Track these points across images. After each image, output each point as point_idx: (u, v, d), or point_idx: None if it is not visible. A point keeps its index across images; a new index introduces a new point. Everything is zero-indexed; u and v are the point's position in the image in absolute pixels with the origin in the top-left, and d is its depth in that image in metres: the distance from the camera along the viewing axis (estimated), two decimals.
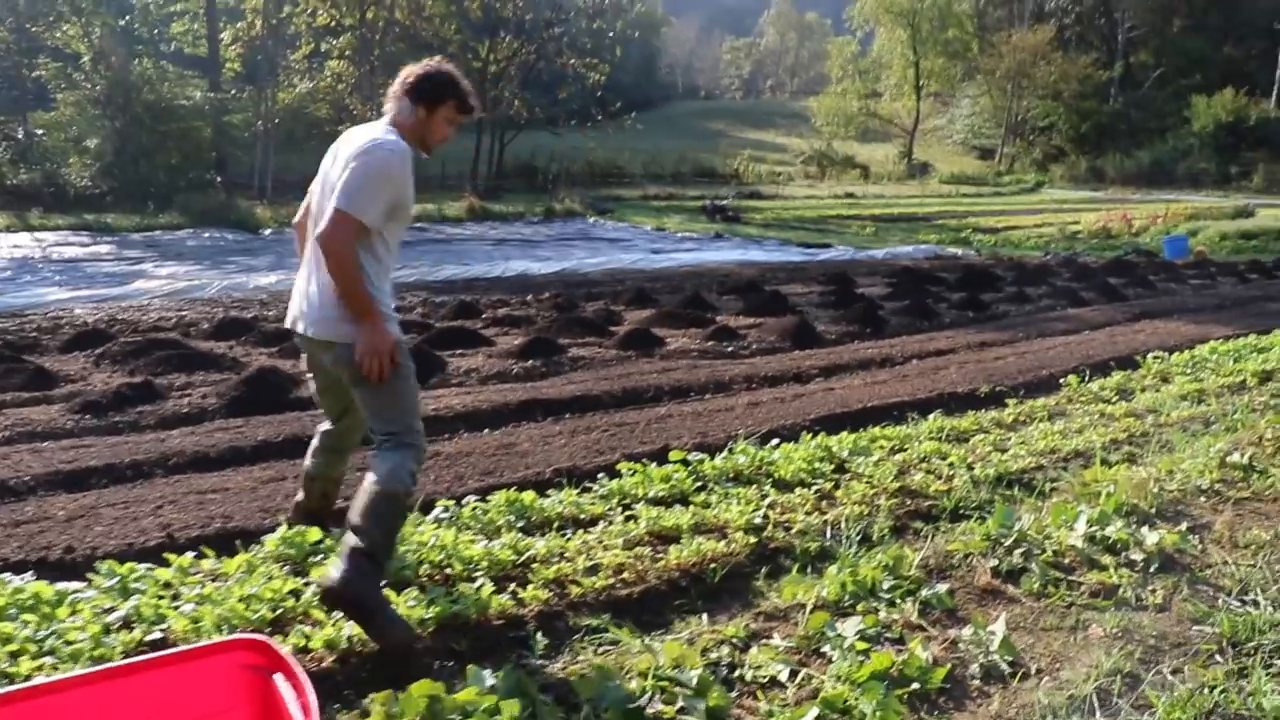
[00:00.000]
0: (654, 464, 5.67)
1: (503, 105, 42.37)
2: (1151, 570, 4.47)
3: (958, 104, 73.20)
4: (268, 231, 25.37)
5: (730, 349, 10.11)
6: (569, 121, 44.82)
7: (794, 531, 4.91)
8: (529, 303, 13.95)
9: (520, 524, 4.90)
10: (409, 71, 3.94)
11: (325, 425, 4.46)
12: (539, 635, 3.78)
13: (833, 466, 5.86)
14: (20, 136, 33.16)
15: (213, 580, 4.07)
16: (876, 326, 11.53)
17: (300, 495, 4.68)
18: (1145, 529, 4.76)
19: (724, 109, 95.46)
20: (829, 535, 4.89)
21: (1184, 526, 4.94)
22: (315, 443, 4.50)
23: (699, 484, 5.48)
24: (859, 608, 4.03)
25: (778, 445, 6.18)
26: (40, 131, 33.24)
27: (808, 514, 5.13)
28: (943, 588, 4.19)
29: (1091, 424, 7.07)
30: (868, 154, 67.61)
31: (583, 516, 5.06)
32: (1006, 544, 4.61)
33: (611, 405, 7.60)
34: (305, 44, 41.05)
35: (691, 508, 5.12)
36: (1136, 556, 4.56)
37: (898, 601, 4.09)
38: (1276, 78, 59.39)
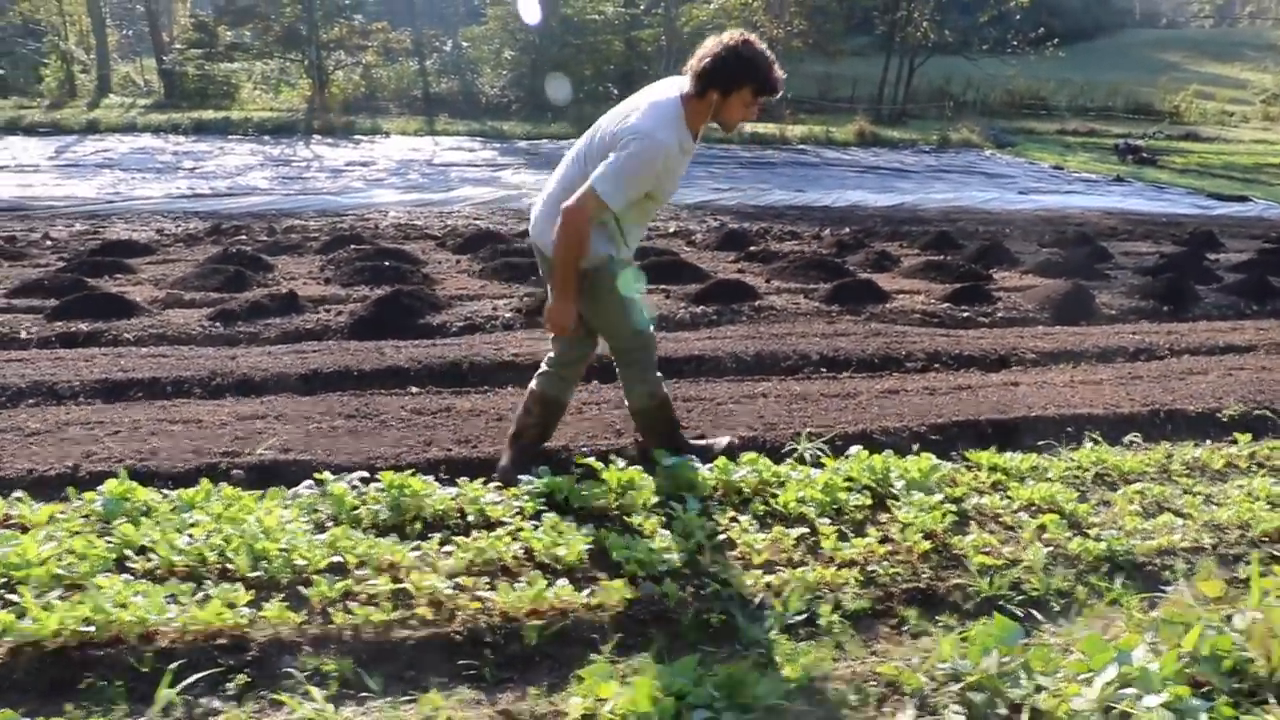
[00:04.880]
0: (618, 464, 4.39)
1: (911, 27, 40.10)
2: None
3: None
4: None
5: (966, 314, 8.27)
6: (981, 47, 41.53)
7: (706, 593, 3.52)
8: (806, 238, 12.63)
9: None
10: (705, 50, 3.79)
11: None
12: None
13: (869, 500, 4.29)
14: (449, 49, 35.43)
15: None
16: (1181, 305, 9.10)
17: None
18: (1203, 716, 2.88)
19: (1184, 38, 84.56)
20: (757, 604, 3.46)
21: None
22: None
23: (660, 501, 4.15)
24: None
25: (847, 456, 4.67)
26: (466, 44, 35.40)
27: (760, 565, 3.70)
28: None
29: None
30: None
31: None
32: (962, 683, 2.98)
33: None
34: None
35: (606, 533, 3.83)
36: None
37: None
38: None
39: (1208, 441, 5.50)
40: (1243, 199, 21.97)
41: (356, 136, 25.75)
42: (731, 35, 3.79)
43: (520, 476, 4.26)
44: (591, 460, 4.32)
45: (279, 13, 31.05)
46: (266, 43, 32.24)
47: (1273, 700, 3.02)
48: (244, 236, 11.53)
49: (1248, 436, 5.41)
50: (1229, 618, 3.36)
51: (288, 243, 10.95)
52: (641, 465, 4.36)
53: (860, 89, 42.91)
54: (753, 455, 4.54)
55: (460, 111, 31.02)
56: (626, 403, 4.50)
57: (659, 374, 4.41)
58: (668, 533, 3.84)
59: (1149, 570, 3.97)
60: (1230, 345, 7.70)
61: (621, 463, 4.30)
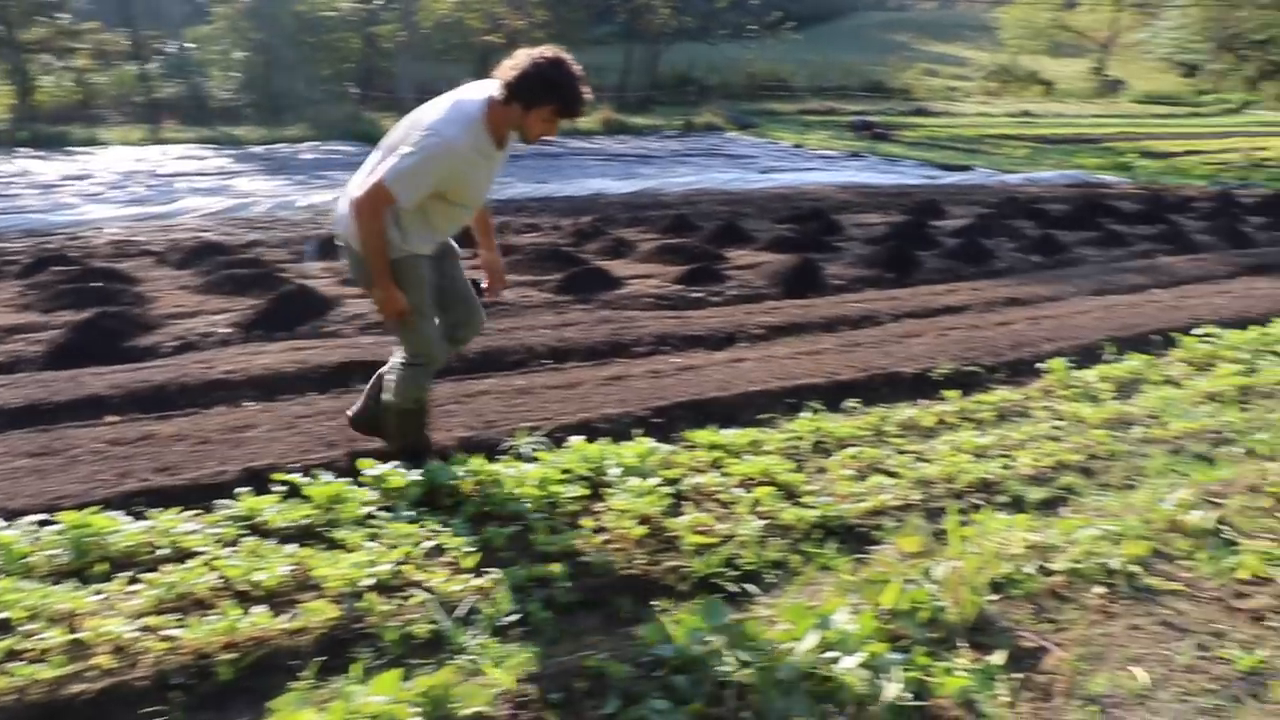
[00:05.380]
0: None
1: (650, 14, 40.76)
2: None
3: (1164, 15, 66.57)
4: None
5: (698, 295, 8.38)
6: (719, 32, 42.65)
7: (412, 603, 3.37)
8: (546, 229, 12.55)
9: None
10: (515, 61, 3.75)
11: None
12: None
13: (585, 490, 4.22)
14: (172, 50, 33.51)
15: None
16: (904, 272, 9.54)
17: None
18: (897, 669, 2.95)
19: (911, 20, 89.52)
20: (467, 609, 3.34)
21: (995, 658, 3.12)
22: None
23: (367, 508, 3.97)
24: None
25: (565, 448, 4.60)
26: (192, 45, 33.59)
27: (471, 568, 3.58)
28: None
29: (1044, 435, 5.16)
30: (1056, 70, 62.17)
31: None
32: (667, 667, 2.94)
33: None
34: None
35: (309, 551, 3.63)
36: None
37: None
38: None
39: (922, 401, 5.73)
40: (966, 168, 23.40)
41: (70, 148, 23.97)
42: (544, 52, 3.76)
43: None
44: (294, 477, 4.09)
45: None
46: None
47: (964, 644, 3.13)
48: None
49: (956, 393, 5.67)
50: (928, 570, 3.48)
51: None
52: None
53: (606, 77, 43.22)
54: (463, 456, 4.41)
55: (190, 117, 29.34)
56: (383, 396, 4.39)
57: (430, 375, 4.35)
58: (374, 545, 3.66)
59: (860, 532, 4.10)
60: (946, 306, 8.13)
61: (328, 476, 4.08)
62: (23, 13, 28.60)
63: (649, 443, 4.56)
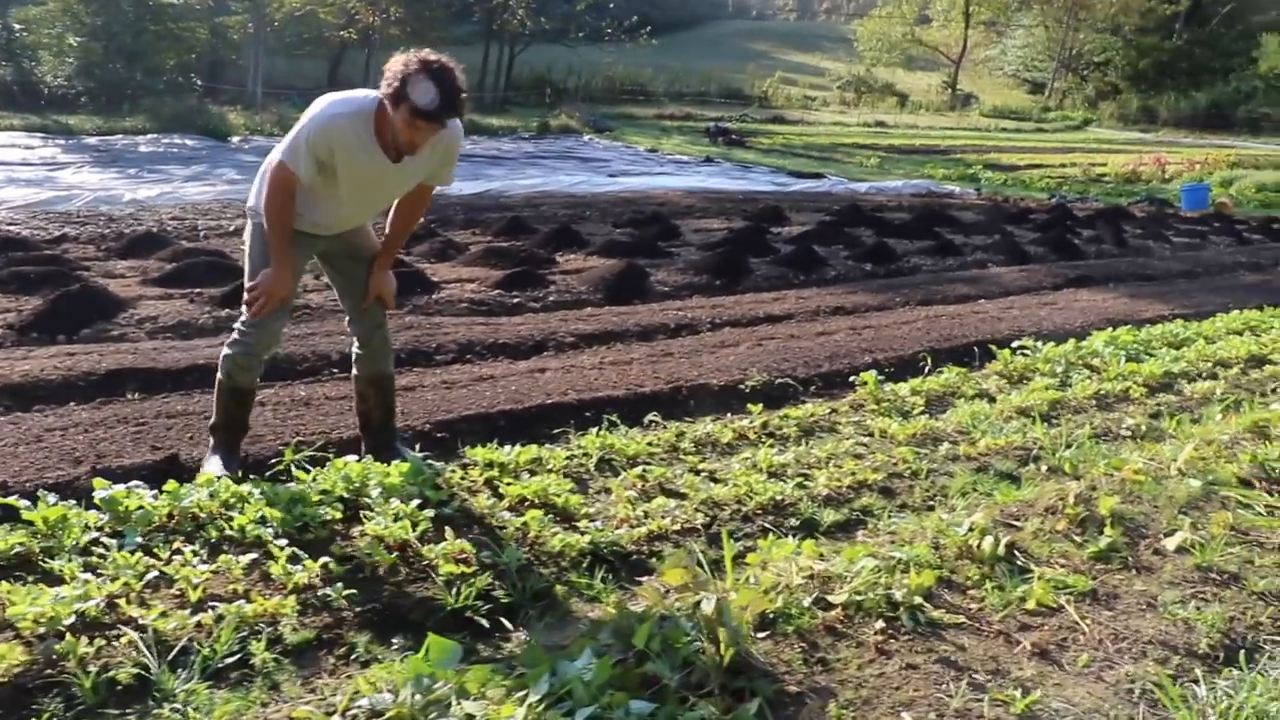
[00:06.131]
0: None
1: (508, 15, 40.34)
2: None
3: (1011, 34, 69.03)
4: (237, 139, 24.76)
5: (516, 300, 7.99)
6: (577, 35, 42.42)
7: (118, 645, 2.89)
8: (376, 229, 11.99)
9: None
10: (394, 59, 3.74)
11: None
12: None
13: (340, 513, 3.75)
14: None
15: None
16: (734, 279, 9.31)
17: None
18: None
19: (771, 30, 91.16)
20: (180, 649, 2.88)
21: (750, 707, 2.75)
22: None
23: (91, 534, 3.46)
24: None
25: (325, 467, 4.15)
26: (20, 27, 31.62)
27: (196, 602, 3.11)
28: None
29: (847, 453, 4.90)
30: (911, 82, 63.98)
31: None
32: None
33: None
34: None
35: (11, 585, 3.12)
36: None
37: None
38: None
39: (728, 415, 5.44)
40: (818, 175, 23.60)
41: None
42: (416, 53, 3.73)
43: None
44: (11, 500, 3.55)
45: None
46: None
47: (716, 689, 2.80)
48: None
49: (759, 407, 5.39)
50: (698, 604, 3.15)
51: None
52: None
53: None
54: (207, 475, 3.92)
55: (17, 104, 27.69)
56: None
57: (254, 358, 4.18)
58: (89, 576, 3.16)
59: (636, 559, 3.75)
60: (770, 315, 7.90)
61: (53, 498, 3.55)
62: None
63: (417, 461, 4.13)
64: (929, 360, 6.66)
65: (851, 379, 6.15)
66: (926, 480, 4.71)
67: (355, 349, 4.40)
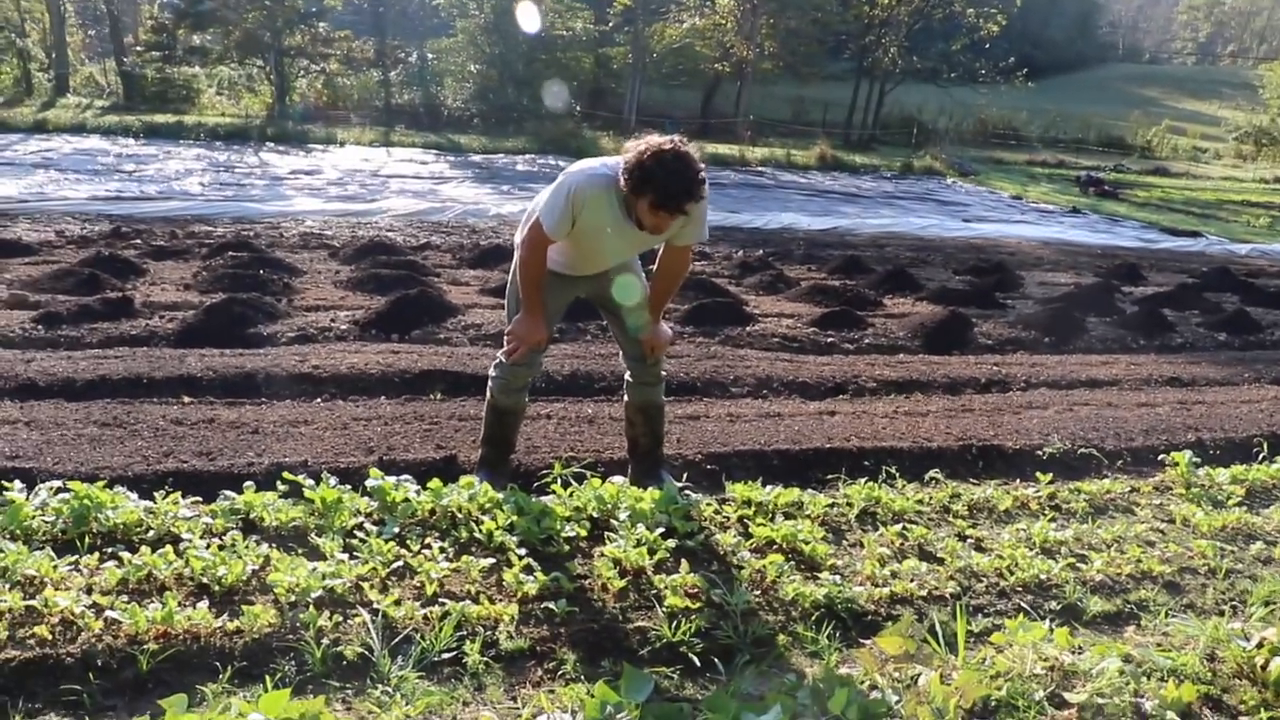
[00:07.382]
0: None
1: (880, 53, 40.31)
2: None
3: None
4: None
5: (830, 339, 8.07)
6: (950, 75, 41.61)
7: (352, 624, 3.29)
8: (716, 259, 12.47)
9: None
10: (633, 146, 3.81)
11: None
12: None
13: (585, 531, 4.03)
14: (414, 60, 35.43)
15: None
16: (1064, 338, 8.87)
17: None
18: None
19: (1164, 74, 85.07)
20: (403, 638, 3.22)
21: None
22: None
23: (357, 519, 3.92)
24: None
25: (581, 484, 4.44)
26: (432, 56, 35.40)
27: (431, 596, 3.46)
28: None
29: (1137, 538, 4.56)
30: None
31: None
32: None
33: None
34: None
35: (279, 554, 3.60)
36: None
37: None
38: None
39: (1016, 480, 5.28)
40: (1194, 234, 21.87)
41: (310, 145, 25.56)
42: (650, 143, 3.78)
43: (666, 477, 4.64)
44: (300, 478, 4.09)
45: (240, 17, 30.82)
46: (227, 48, 32.01)
47: None
48: (139, 241, 11.26)
49: (1049, 476, 5.15)
50: (915, 677, 3.13)
51: (179, 248, 10.72)
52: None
53: (832, 113, 43.22)
54: (469, 479, 4.31)
55: (420, 123, 30.91)
56: None
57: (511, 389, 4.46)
58: (344, 557, 3.60)
59: (871, 620, 3.68)
60: (1092, 379, 7.51)
61: (334, 481, 4.06)
62: (286, 21, 30.72)
63: (673, 489, 4.33)
64: (1264, 446, 6.04)
65: (1164, 458, 5.74)
66: (1225, 581, 4.30)
67: (628, 376, 4.62)
